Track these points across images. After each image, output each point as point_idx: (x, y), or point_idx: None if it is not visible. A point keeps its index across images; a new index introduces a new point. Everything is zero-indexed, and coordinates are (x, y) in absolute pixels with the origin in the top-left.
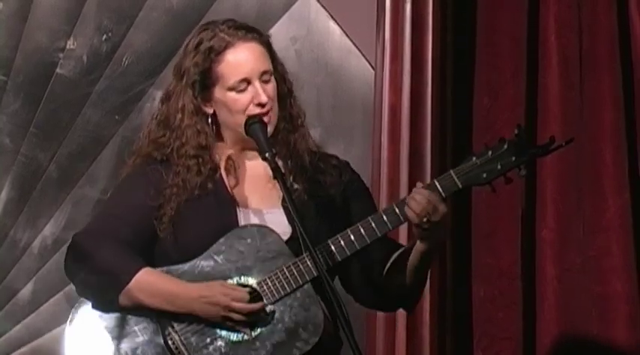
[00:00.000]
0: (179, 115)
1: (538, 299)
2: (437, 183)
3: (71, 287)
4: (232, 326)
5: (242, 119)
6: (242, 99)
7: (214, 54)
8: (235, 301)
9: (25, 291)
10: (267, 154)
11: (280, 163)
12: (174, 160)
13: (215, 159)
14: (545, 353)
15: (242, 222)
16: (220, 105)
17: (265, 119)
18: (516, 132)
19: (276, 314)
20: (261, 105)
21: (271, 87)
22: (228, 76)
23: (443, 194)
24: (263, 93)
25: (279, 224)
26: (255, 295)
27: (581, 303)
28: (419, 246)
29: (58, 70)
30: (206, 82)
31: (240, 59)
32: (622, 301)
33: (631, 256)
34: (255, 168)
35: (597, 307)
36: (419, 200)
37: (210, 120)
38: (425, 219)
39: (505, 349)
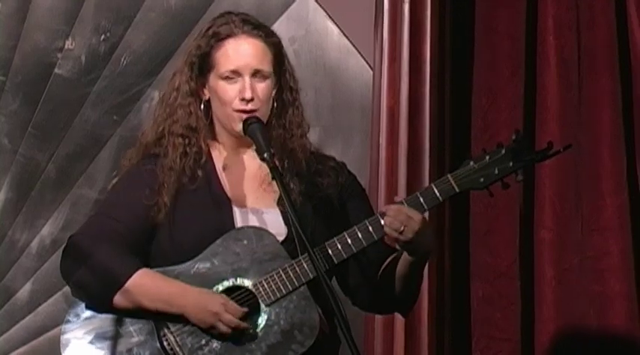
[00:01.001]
0: (174, 93)
1: (536, 299)
2: (434, 187)
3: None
4: (216, 335)
5: (227, 111)
6: (229, 91)
7: (216, 39)
8: (228, 313)
9: (24, 291)
10: (265, 154)
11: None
12: (166, 140)
13: (202, 144)
14: (544, 353)
15: (238, 221)
16: (212, 93)
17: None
18: (514, 137)
19: (272, 316)
20: (245, 100)
21: (264, 87)
22: (221, 64)
23: (440, 198)
24: (249, 89)
25: (275, 224)
26: (251, 301)
27: (580, 303)
28: (406, 257)
29: (56, 70)
30: (204, 66)
31: (237, 51)
32: (620, 301)
33: (629, 256)
34: (250, 167)
35: (595, 307)
36: (391, 214)
37: (203, 105)
38: (402, 229)
39: (503, 349)
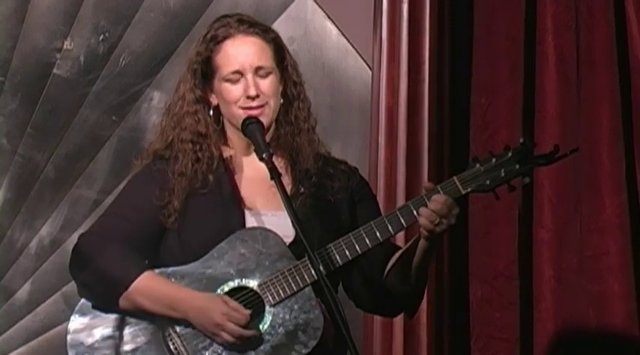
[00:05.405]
0: (180, 103)
1: (535, 299)
2: (439, 190)
3: (68, 287)
4: (219, 343)
5: (235, 111)
6: (234, 91)
7: (214, 43)
8: (231, 322)
9: (22, 292)
10: (264, 155)
11: (282, 164)
12: (176, 147)
13: (214, 150)
14: (543, 353)
15: (248, 223)
16: (219, 96)
17: (256, 113)
18: (522, 140)
19: (276, 317)
20: (250, 97)
21: (268, 83)
22: (223, 66)
23: None
24: (253, 86)
25: (284, 227)
26: (256, 302)
27: (578, 303)
28: (422, 243)
29: (55, 71)
30: (208, 71)
31: (236, 51)
32: (619, 301)
33: (628, 256)
34: (261, 170)
35: (594, 307)
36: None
37: (212, 111)
38: (437, 221)
39: (502, 349)
